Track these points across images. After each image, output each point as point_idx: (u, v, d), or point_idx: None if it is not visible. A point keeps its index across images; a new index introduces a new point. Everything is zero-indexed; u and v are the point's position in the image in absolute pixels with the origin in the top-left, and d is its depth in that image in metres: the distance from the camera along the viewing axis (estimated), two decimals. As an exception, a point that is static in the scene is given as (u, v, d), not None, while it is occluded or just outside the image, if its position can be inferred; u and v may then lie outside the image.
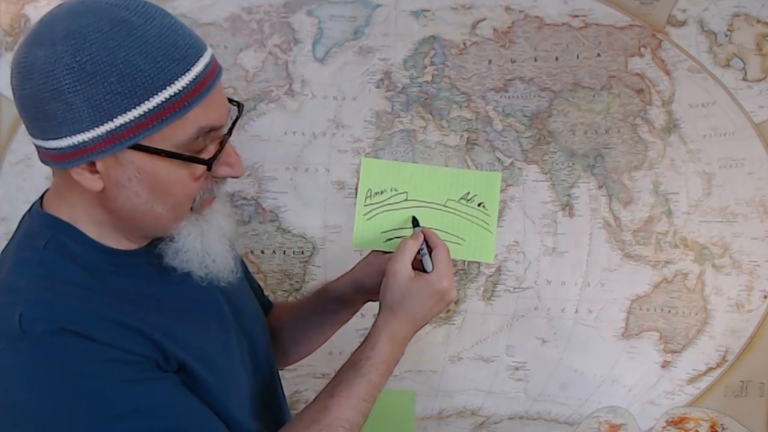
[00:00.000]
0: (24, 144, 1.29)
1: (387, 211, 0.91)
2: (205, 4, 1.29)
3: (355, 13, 1.33)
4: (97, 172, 0.69)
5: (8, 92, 1.27)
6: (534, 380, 1.42)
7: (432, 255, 0.85)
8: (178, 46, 0.67)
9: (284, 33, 1.32)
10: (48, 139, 0.68)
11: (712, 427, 1.45)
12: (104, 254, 0.74)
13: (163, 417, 0.68)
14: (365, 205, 0.91)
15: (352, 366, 0.82)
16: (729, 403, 1.44)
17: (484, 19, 1.35)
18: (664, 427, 1.45)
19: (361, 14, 1.33)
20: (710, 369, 1.43)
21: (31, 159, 1.29)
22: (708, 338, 1.42)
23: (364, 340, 0.84)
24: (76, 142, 0.66)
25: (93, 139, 0.66)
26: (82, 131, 0.66)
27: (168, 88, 0.66)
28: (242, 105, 0.77)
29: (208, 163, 0.71)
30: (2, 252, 0.77)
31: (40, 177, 1.29)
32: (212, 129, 0.71)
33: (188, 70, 0.67)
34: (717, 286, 1.41)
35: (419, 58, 1.34)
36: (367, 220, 0.91)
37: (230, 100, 0.76)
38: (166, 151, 0.68)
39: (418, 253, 0.86)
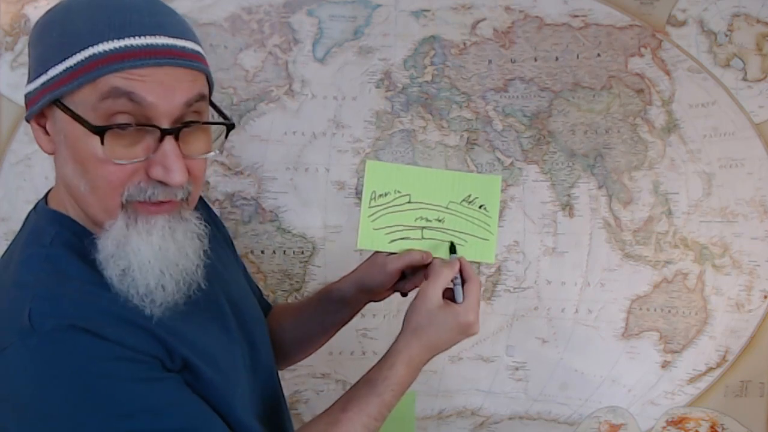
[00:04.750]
0: (24, 144, 1.29)
1: (391, 212, 0.92)
2: (205, 4, 1.29)
3: (355, 13, 1.33)
4: (48, 133, 0.71)
5: (8, 92, 1.28)
6: (534, 380, 1.42)
7: (465, 286, 0.87)
8: (129, 19, 0.67)
9: (284, 33, 1.32)
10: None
11: (712, 427, 1.45)
12: None
13: (169, 417, 0.68)
14: (370, 207, 0.92)
15: (367, 383, 0.82)
16: (729, 403, 1.44)
17: (484, 19, 1.35)
18: (664, 427, 1.45)
19: (361, 14, 1.33)
20: (710, 369, 1.43)
21: (31, 159, 1.29)
22: (708, 338, 1.42)
23: (381, 359, 0.85)
24: (27, 92, 0.71)
25: (34, 90, 0.70)
26: (32, 81, 0.70)
27: (92, 47, 0.66)
28: (231, 125, 0.74)
29: (96, 131, 0.65)
30: (8, 249, 0.77)
31: (40, 177, 1.28)
32: (132, 99, 0.65)
33: (121, 38, 0.66)
34: (717, 286, 1.41)
35: (419, 58, 1.34)
36: (372, 221, 0.92)
37: (224, 117, 0.74)
38: (72, 111, 0.66)
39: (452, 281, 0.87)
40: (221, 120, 0.75)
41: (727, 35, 1.37)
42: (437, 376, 1.41)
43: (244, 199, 1.33)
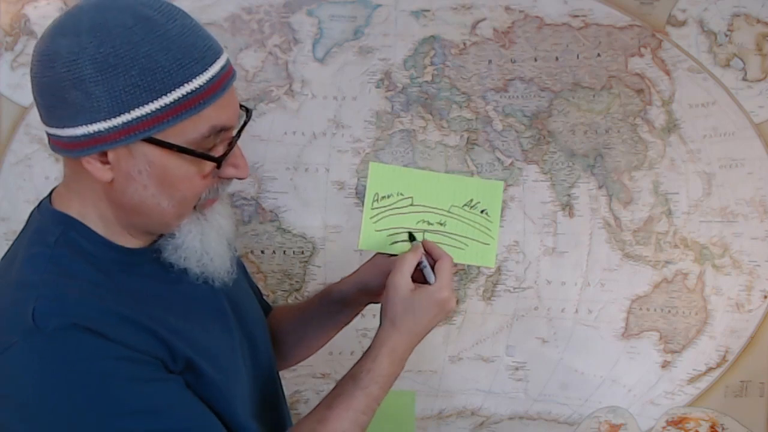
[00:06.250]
0: (24, 144, 1.29)
1: (393, 215, 0.92)
2: (205, 4, 1.29)
3: (355, 13, 1.33)
4: (107, 162, 0.70)
5: (8, 92, 1.28)
6: (534, 380, 1.42)
7: (435, 265, 0.86)
8: (198, 46, 0.69)
9: (284, 33, 1.32)
10: (63, 127, 0.69)
11: (712, 427, 1.45)
12: (113, 252, 0.75)
13: (169, 418, 0.69)
14: (372, 209, 0.92)
15: (351, 378, 0.82)
16: (729, 403, 1.44)
17: (484, 19, 1.35)
18: (664, 427, 1.45)
19: (361, 14, 1.33)
20: (710, 369, 1.43)
21: (31, 159, 1.29)
22: (708, 338, 1.42)
23: (364, 353, 0.84)
24: (91, 131, 0.68)
25: (108, 129, 0.67)
26: (99, 120, 0.67)
27: (186, 85, 0.68)
28: (251, 110, 0.79)
29: (218, 161, 0.73)
30: (11, 248, 0.78)
31: (40, 177, 1.29)
32: (223, 129, 0.72)
33: (206, 69, 0.69)
34: (717, 286, 1.41)
35: (419, 58, 1.34)
36: (374, 223, 0.92)
37: (240, 105, 0.77)
38: (178, 146, 0.70)
39: (418, 265, 0.87)
40: (246, 113, 0.80)
41: (727, 35, 1.37)
42: (437, 376, 1.41)
43: (244, 199, 1.33)
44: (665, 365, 1.43)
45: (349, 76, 1.34)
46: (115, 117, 0.67)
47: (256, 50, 1.31)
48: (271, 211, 1.34)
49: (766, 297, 1.42)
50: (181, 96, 0.68)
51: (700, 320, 1.42)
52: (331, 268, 1.36)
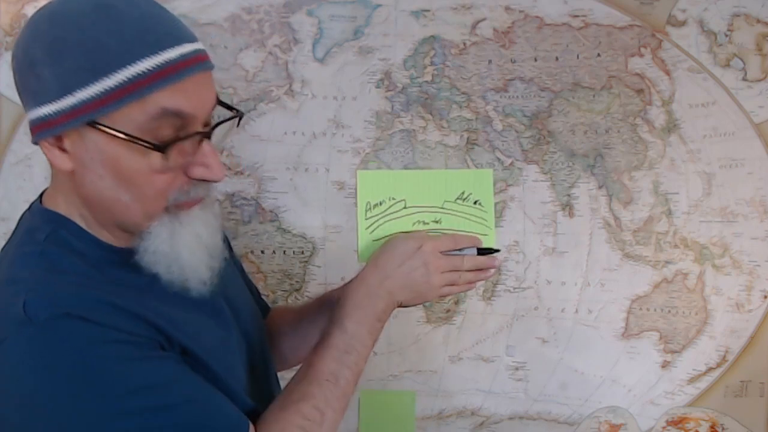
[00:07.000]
0: (24, 144, 1.29)
1: (388, 221, 0.91)
2: (205, 4, 1.29)
3: (355, 13, 1.33)
4: (66, 150, 0.69)
5: (8, 92, 1.28)
6: (534, 380, 1.42)
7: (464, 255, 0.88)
8: (155, 31, 0.67)
9: (284, 33, 1.32)
10: (27, 112, 0.70)
11: (712, 427, 1.45)
12: (102, 250, 0.74)
13: (171, 393, 0.69)
14: (366, 219, 0.90)
15: (330, 320, 0.84)
16: (729, 403, 1.44)
17: (484, 19, 1.35)
18: (664, 427, 1.45)
19: (361, 14, 1.33)
20: (710, 369, 1.43)
21: (31, 159, 1.29)
22: (708, 338, 1.42)
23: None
24: (42, 115, 0.68)
25: (56, 113, 0.67)
26: (47, 103, 0.67)
27: (130, 66, 0.66)
28: (241, 113, 0.77)
29: (159, 149, 0.68)
30: (3, 249, 0.77)
31: (40, 177, 1.29)
32: (179, 115, 0.68)
33: (156, 53, 0.66)
34: (717, 286, 1.41)
35: (419, 58, 1.34)
36: (370, 233, 0.90)
37: (230, 107, 0.75)
38: (119, 131, 0.67)
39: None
40: (233, 114, 0.77)
41: (727, 35, 1.37)
42: (437, 376, 1.41)
43: (244, 199, 1.33)
44: (665, 365, 1.43)
45: (349, 76, 1.34)
46: (60, 99, 0.66)
47: (256, 50, 1.31)
48: (271, 211, 1.34)
49: (766, 297, 1.42)
50: (124, 79, 0.65)
51: (700, 320, 1.42)
52: (331, 268, 1.36)
